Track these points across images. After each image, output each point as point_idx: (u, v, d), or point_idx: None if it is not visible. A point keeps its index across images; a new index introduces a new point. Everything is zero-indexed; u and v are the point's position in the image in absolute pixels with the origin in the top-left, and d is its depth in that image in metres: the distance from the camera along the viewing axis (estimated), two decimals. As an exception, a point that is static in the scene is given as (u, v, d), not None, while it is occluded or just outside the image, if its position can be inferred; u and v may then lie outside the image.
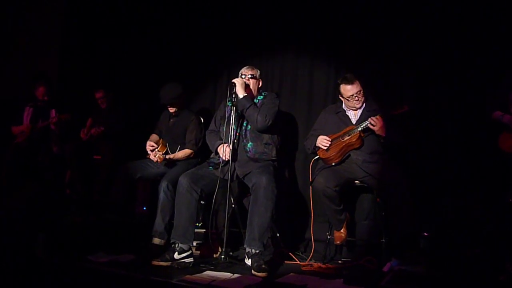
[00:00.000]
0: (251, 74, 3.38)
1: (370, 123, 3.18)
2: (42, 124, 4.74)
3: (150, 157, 3.71)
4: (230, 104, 3.28)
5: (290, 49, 4.15)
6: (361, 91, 3.32)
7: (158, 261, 3.08)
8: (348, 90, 3.31)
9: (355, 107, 3.38)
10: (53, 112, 4.81)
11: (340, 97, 3.43)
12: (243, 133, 3.34)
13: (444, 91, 3.61)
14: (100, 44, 5.01)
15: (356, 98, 3.32)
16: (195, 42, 4.54)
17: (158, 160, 3.64)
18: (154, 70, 4.64)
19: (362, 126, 3.25)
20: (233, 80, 3.30)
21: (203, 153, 3.85)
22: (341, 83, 3.36)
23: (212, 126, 3.60)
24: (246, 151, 3.30)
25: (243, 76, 3.39)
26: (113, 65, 4.90)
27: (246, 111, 3.24)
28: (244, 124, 3.35)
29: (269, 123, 3.21)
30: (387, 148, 3.29)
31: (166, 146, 3.88)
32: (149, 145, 3.79)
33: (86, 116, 4.68)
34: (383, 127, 3.17)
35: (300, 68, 4.10)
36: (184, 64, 4.56)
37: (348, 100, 3.35)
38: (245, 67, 3.45)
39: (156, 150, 3.74)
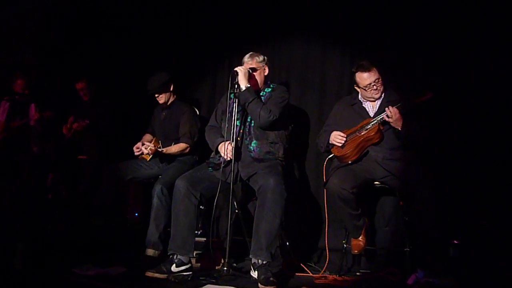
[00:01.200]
0: (251, 68, 3.20)
1: (386, 114, 3.03)
2: (20, 122, 4.58)
3: (142, 148, 3.54)
4: (233, 97, 3.11)
5: (299, 35, 3.95)
6: (380, 79, 3.14)
7: (153, 272, 2.92)
8: (365, 78, 3.14)
9: (373, 98, 3.19)
10: (32, 108, 4.63)
11: (355, 87, 3.27)
12: (247, 130, 3.18)
13: (472, 76, 3.37)
14: (84, 34, 4.84)
15: (374, 87, 3.13)
16: (192, 28, 4.35)
17: (149, 152, 3.48)
18: (145, 60, 4.45)
19: (379, 119, 3.07)
20: (236, 69, 3.12)
21: (201, 151, 3.71)
22: (357, 71, 3.19)
23: (212, 121, 3.44)
24: (250, 151, 3.14)
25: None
26: (100, 54, 4.70)
27: (248, 105, 3.07)
28: (248, 120, 3.18)
29: (273, 120, 3.06)
30: (404, 143, 3.11)
31: (159, 143, 3.73)
32: (136, 147, 3.61)
33: (69, 112, 4.52)
34: (400, 120, 3.02)
35: (310, 56, 3.91)
36: (179, 51, 4.38)
37: (365, 90, 3.17)
38: (247, 55, 3.29)
39: (147, 143, 3.59)
